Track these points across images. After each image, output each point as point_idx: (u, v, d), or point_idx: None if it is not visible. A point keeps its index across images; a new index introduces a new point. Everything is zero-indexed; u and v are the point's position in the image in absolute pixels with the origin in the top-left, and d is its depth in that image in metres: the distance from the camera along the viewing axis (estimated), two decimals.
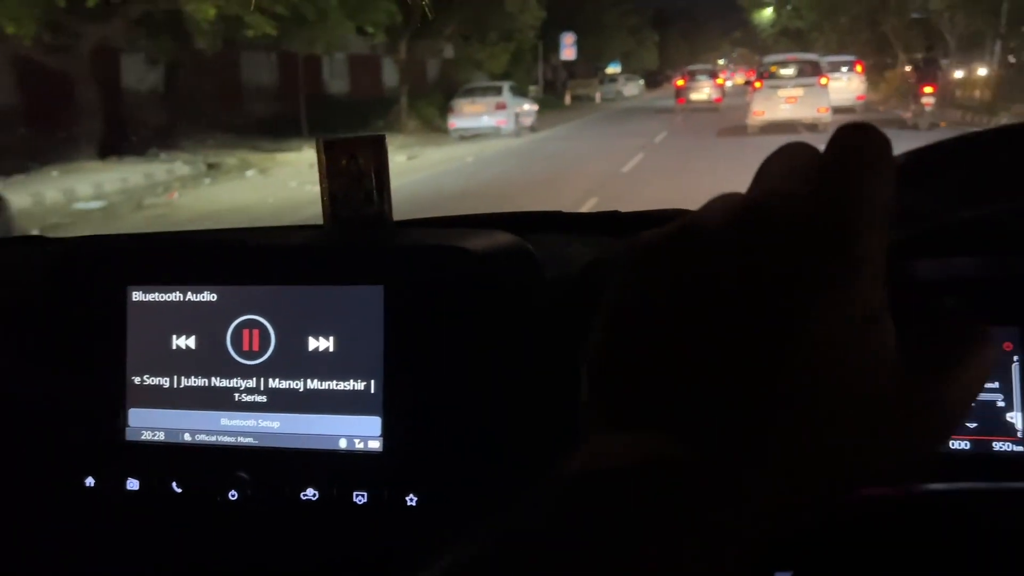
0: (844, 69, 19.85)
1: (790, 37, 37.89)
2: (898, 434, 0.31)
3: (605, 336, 0.33)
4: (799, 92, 14.44)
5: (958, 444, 0.86)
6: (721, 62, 52.74)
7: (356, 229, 0.92)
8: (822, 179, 0.32)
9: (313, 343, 0.78)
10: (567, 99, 30.92)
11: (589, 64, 37.36)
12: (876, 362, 0.31)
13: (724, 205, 0.34)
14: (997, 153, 0.40)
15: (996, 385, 0.86)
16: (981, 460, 0.86)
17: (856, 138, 0.34)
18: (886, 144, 0.34)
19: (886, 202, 0.32)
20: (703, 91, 23.42)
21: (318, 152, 0.95)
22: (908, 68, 20.64)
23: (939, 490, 0.77)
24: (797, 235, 0.31)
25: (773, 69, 15.50)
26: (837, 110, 15.42)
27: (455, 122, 17.42)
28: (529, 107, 19.07)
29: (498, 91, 17.89)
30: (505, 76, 22.80)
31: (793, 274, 0.30)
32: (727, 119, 18.12)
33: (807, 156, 0.35)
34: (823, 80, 14.75)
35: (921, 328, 0.35)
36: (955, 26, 21.81)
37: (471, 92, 18.07)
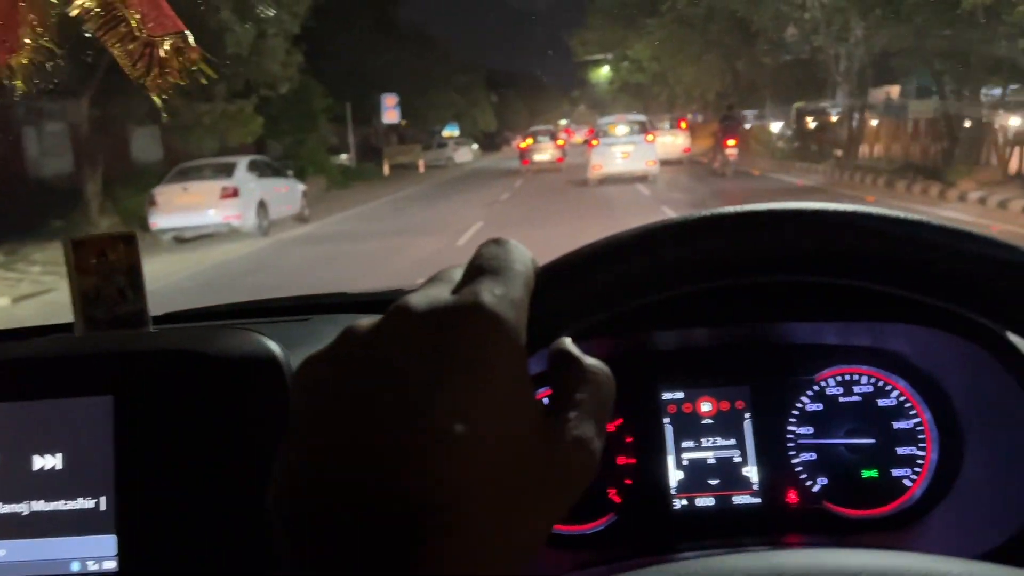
0: (669, 127, 21.52)
1: (631, 93, 36.84)
2: (549, 487, 0.33)
3: (281, 452, 0.33)
4: (631, 148, 15.82)
5: (703, 501, 0.92)
6: (563, 122, 54.62)
7: (110, 329, 0.88)
8: (461, 283, 0.36)
9: (39, 461, 0.73)
10: (385, 169, 26.41)
11: (424, 128, 35.01)
12: (519, 441, 0.32)
13: (381, 315, 0.35)
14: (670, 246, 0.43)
15: (732, 442, 0.92)
16: (724, 515, 0.92)
17: (491, 249, 0.38)
18: (517, 252, 0.38)
19: (519, 299, 0.35)
20: (546, 152, 24.21)
21: (65, 252, 0.92)
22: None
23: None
24: (438, 334, 0.33)
25: (609, 129, 16.85)
26: (666, 162, 17.32)
27: (158, 220, 11.68)
28: (292, 189, 13.73)
29: (228, 171, 12.16)
30: (296, 143, 19.02)
31: (434, 371, 0.32)
32: (570, 178, 18.09)
33: (457, 266, 0.38)
34: (650, 137, 16.33)
35: (551, 376, 0.39)
36: (852, 63, 16.17)
37: (187, 174, 12.33)
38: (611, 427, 0.93)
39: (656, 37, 24.81)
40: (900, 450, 0.91)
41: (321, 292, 1.15)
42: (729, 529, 0.91)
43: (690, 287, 0.42)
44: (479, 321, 0.33)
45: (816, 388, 0.93)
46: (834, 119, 18.18)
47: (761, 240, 0.41)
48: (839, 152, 16.48)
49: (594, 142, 16.73)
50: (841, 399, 0.92)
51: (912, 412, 0.91)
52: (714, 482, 0.92)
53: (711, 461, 0.92)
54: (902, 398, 0.91)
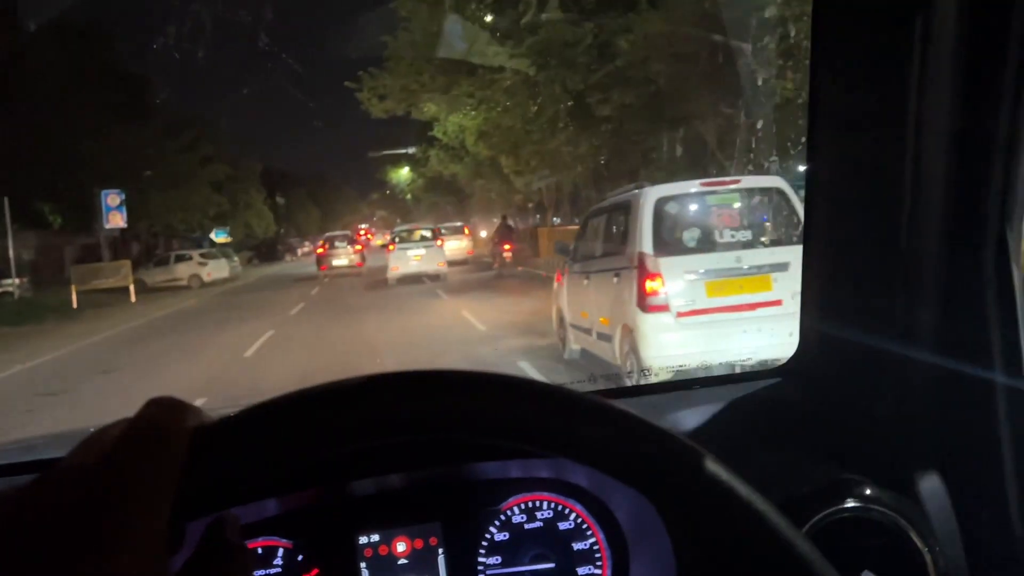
0: (455, 233, 23.81)
1: (441, 189, 32.25)
2: None
3: None
4: (423, 251, 17.66)
5: None
6: (364, 226, 54.39)
7: None
8: (115, 449, 0.36)
9: None
10: (73, 300, 17.39)
11: (176, 234, 27.66)
12: None
13: (23, 485, 0.34)
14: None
15: None
16: None
17: (152, 414, 0.38)
18: (180, 419, 0.38)
19: (167, 479, 0.36)
20: (344, 257, 24.06)
21: None
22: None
23: None
24: (70, 509, 0.33)
25: (404, 235, 18.70)
26: (452, 262, 19.51)
27: None
28: None
29: None
30: None
31: (60, 548, 0.32)
32: (373, 280, 18.30)
33: (120, 429, 0.38)
34: (439, 242, 18.31)
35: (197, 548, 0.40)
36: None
37: None
38: None
39: (500, 86, 15.95)
40: (580, 570, 0.99)
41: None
42: None
43: (349, 447, 0.42)
44: (118, 508, 0.34)
45: (503, 517, 0.99)
46: None
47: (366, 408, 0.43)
48: None
49: (391, 247, 18.36)
50: (526, 526, 0.99)
51: (588, 533, 1.00)
52: None
53: None
54: (579, 520, 1.00)
